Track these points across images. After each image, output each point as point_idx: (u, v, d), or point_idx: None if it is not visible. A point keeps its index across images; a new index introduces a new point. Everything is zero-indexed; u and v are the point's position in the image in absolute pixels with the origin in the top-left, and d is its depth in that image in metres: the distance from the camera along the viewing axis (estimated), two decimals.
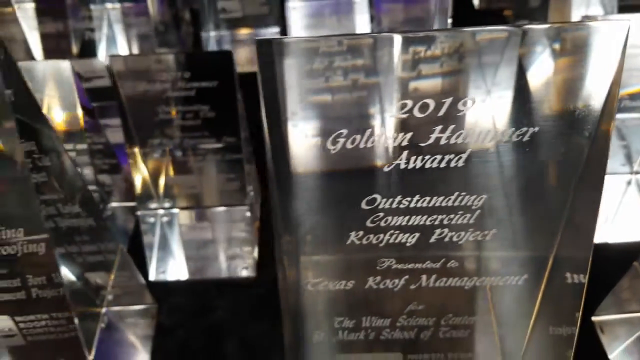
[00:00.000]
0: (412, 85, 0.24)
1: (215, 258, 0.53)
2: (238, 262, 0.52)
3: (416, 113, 0.25)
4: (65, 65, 0.46)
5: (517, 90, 0.25)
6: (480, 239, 0.31)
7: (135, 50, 0.64)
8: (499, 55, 0.24)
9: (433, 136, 0.26)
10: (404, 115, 0.26)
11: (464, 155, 0.27)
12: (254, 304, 0.50)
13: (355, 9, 0.72)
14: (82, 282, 0.40)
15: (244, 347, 0.47)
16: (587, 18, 0.52)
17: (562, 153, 0.27)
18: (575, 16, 0.60)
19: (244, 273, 0.52)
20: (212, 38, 0.76)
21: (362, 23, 0.69)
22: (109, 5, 0.68)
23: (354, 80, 0.25)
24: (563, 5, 0.63)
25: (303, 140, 0.26)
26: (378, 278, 0.33)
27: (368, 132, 0.26)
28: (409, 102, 0.26)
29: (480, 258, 0.32)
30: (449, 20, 0.64)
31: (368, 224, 0.31)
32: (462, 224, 0.30)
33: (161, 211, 0.54)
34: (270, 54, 0.24)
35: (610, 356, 0.46)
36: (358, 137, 0.26)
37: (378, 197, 0.29)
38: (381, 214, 0.30)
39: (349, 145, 0.26)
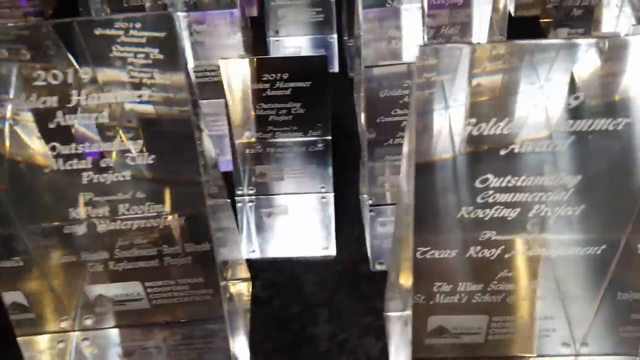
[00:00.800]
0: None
1: (298, 239, 0.59)
2: (319, 242, 0.59)
3: (540, 104, 0.32)
4: None
5: (615, 88, 0.32)
6: (570, 214, 0.37)
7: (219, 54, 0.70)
8: (605, 61, 0.31)
9: (546, 124, 0.32)
10: (530, 109, 0.32)
11: (568, 141, 0.33)
12: (336, 279, 0.56)
13: (404, 14, 0.78)
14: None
15: (333, 314, 0.53)
16: None
17: None
18: (624, 24, 0.66)
19: (324, 252, 0.59)
20: (272, 42, 0.82)
21: (413, 29, 0.75)
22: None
23: (498, 80, 0.31)
24: (602, 14, 0.69)
25: (446, 129, 0.32)
26: (478, 248, 0.40)
27: (504, 122, 0.32)
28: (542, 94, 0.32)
29: (568, 231, 0.38)
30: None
31: (478, 200, 0.37)
32: (557, 200, 0.36)
33: (251, 197, 0.60)
34: (430, 57, 0.30)
35: None
36: (497, 125, 0.32)
37: (491, 176, 0.35)
38: (491, 192, 0.36)
39: (485, 132, 0.32)
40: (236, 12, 0.73)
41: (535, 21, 0.91)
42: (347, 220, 0.61)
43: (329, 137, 0.55)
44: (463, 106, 0.33)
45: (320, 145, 0.56)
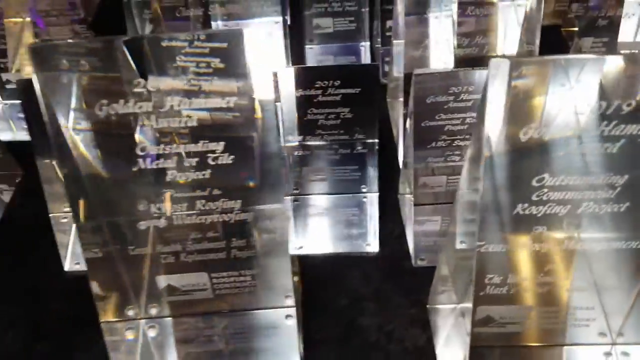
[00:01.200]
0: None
1: (343, 237, 0.63)
2: (362, 239, 0.62)
3: (596, 110, 0.35)
4: None
5: None
6: (615, 211, 0.40)
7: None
8: None
9: (600, 128, 0.36)
10: (584, 114, 0.35)
11: (618, 144, 0.37)
12: (380, 274, 0.60)
13: (434, 23, 0.82)
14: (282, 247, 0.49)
15: (380, 307, 0.57)
16: None
17: None
18: None
19: (368, 249, 0.62)
20: (306, 50, 0.86)
21: (447, 37, 0.79)
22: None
23: (557, 88, 0.35)
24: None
25: (509, 132, 0.36)
26: (529, 242, 0.43)
27: (562, 126, 0.36)
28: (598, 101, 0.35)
29: (610, 226, 0.42)
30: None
31: (533, 197, 0.40)
32: (604, 198, 0.40)
33: (297, 197, 0.63)
34: (501, 69, 0.34)
35: None
36: (555, 129, 0.36)
37: (547, 175, 0.39)
38: (545, 190, 0.40)
39: (544, 136, 0.36)
40: (281, 20, 0.77)
41: (557, 30, 0.94)
42: (386, 219, 0.65)
43: (376, 140, 0.59)
44: (526, 112, 0.36)
45: (366, 147, 0.60)
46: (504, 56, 0.65)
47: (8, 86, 0.78)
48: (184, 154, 0.42)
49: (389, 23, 0.85)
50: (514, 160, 0.39)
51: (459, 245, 0.47)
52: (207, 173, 0.43)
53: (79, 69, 0.38)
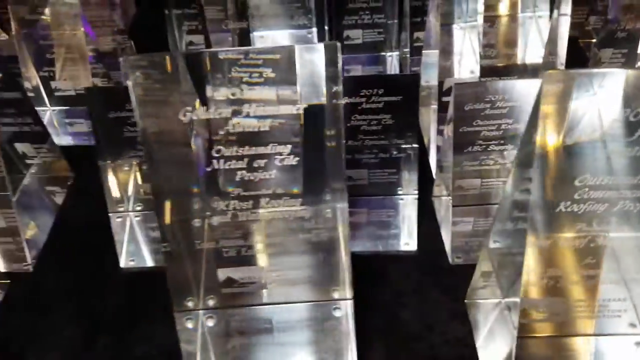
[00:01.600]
0: None
1: (383, 236, 0.66)
2: (401, 238, 0.66)
3: (631, 117, 0.39)
4: None
5: None
6: None
7: None
8: None
9: (636, 134, 0.40)
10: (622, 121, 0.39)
11: None
12: (419, 271, 0.64)
13: (460, 34, 0.86)
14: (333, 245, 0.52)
15: (421, 301, 0.61)
16: None
17: None
18: None
19: (406, 247, 0.66)
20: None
21: (473, 47, 0.83)
22: None
23: (603, 98, 0.39)
24: None
25: (552, 139, 0.40)
26: (570, 238, 0.47)
27: (604, 132, 0.40)
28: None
29: None
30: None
31: (575, 196, 0.44)
32: (638, 197, 0.44)
33: None
34: (555, 82, 0.38)
35: None
36: (596, 133, 0.40)
37: (588, 176, 0.43)
38: (586, 189, 0.43)
39: (585, 139, 0.40)
40: (314, 31, 0.81)
41: (575, 42, 0.98)
42: (420, 220, 0.68)
43: (416, 145, 0.62)
44: (572, 119, 0.40)
45: (406, 152, 0.63)
46: (556, 69, 0.69)
47: (57, 94, 0.82)
48: (254, 155, 0.46)
49: (416, 34, 0.89)
50: (560, 162, 0.42)
51: (504, 243, 0.51)
52: (273, 173, 0.47)
53: (166, 79, 0.43)
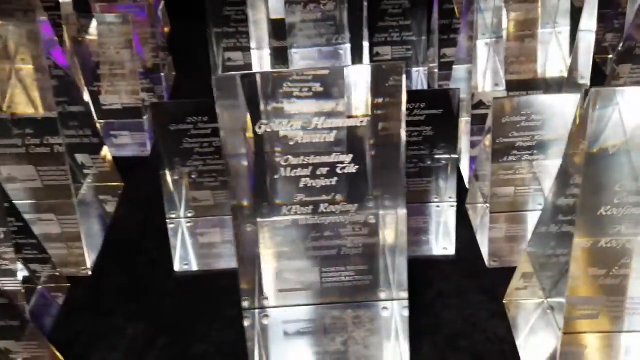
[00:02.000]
0: None
1: (422, 241, 0.70)
2: (439, 243, 0.70)
3: None
4: None
5: None
6: None
7: None
8: None
9: None
10: None
11: None
12: (459, 274, 0.68)
13: (484, 49, 0.90)
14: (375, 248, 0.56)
15: (462, 302, 0.64)
16: None
17: None
18: None
19: (445, 252, 0.70)
20: None
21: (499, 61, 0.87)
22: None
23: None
24: None
25: (596, 148, 0.44)
26: (608, 239, 0.51)
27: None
28: None
29: None
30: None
31: (615, 200, 0.48)
32: None
33: None
34: (600, 97, 0.42)
35: None
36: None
37: (627, 182, 0.46)
38: (625, 194, 0.47)
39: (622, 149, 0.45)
40: (348, 47, 0.85)
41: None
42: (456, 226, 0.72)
43: (456, 156, 0.66)
44: (614, 130, 0.44)
45: (446, 162, 0.67)
46: (599, 84, 0.74)
47: (104, 107, 0.86)
48: (318, 164, 0.50)
49: (442, 51, 0.94)
50: (603, 170, 0.47)
51: (546, 246, 0.55)
52: (334, 180, 0.51)
53: (246, 95, 0.47)
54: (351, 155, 0.50)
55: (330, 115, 0.48)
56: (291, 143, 0.49)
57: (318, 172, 0.51)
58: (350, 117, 0.48)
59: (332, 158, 0.50)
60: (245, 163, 0.49)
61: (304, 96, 0.48)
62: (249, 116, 0.47)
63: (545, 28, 0.86)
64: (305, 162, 0.50)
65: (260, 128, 0.47)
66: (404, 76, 0.46)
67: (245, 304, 0.57)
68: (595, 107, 0.44)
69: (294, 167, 0.50)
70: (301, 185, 0.51)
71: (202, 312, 0.65)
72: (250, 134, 0.48)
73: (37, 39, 0.58)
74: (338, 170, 0.51)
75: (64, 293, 0.67)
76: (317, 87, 0.47)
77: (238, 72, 0.45)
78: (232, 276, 0.69)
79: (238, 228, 0.52)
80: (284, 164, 0.50)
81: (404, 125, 0.48)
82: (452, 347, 0.60)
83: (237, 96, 0.46)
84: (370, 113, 0.48)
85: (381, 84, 0.48)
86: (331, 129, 0.48)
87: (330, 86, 0.48)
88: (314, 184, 0.51)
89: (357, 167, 0.51)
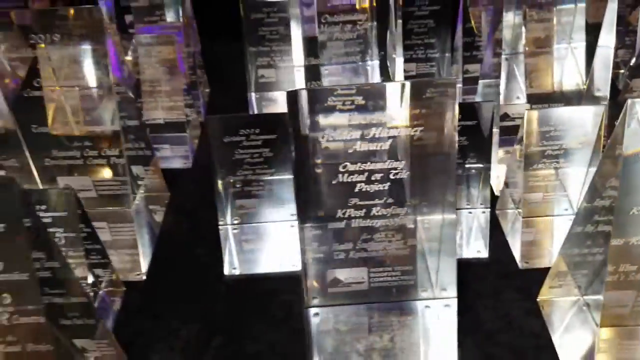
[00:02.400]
0: None
1: (457, 245, 0.73)
2: (473, 246, 0.74)
3: None
4: None
5: None
6: None
7: None
8: None
9: None
10: None
11: None
12: (493, 275, 0.72)
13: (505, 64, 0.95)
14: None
15: (497, 301, 0.68)
16: None
17: None
18: None
19: (478, 255, 0.74)
20: None
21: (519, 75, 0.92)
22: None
23: None
24: None
25: (632, 154, 0.49)
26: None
27: None
28: None
29: None
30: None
31: None
32: None
33: None
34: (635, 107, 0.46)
35: None
36: None
37: None
38: None
39: None
40: (376, 63, 0.90)
41: None
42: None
43: (490, 165, 0.71)
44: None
45: (479, 170, 0.72)
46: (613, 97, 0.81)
47: (147, 122, 0.90)
48: (373, 170, 0.54)
49: (465, 67, 0.99)
50: (636, 172, 0.51)
51: (582, 245, 0.59)
52: (387, 185, 0.55)
53: (314, 108, 0.52)
54: (404, 162, 0.54)
55: (385, 125, 0.53)
56: (350, 151, 0.53)
57: (373, 178, 0.55)
58: (404, 127, 0.53)
59: (386, 165, 0.55)
60: (310, 170, 0.54)
61: (361, 108, 0.53)
62: (313, 127, 0.52)
63: (561, 44, 0.92)
64: (361, 169, 0.54)
65: (323, 138, 0.52)
66: (457, 90, 0.51)
67: (308, 302, 0.61)
68: (632, 115, 0.48)
69: (351, 173, 0.55)
70: (356, 190, 0.56)
71: (253, 314, 0.69)
72: (314, 144, 0.53)
73: (105, 58, 0.63)
74: (391, 176, 0.55)
75: (121, 297, 0.71)
76: (371, 101, 0.52)
77: (305, 87, 0.49)
78: (277, 280, 0.74)
79: (302, 231, 0.57)
80: (342, 170, 0.54)
81: (456, 135, 0.52)
82: (492, 342, 0.64)
83: (304, 109, 0.51)
84: (423, 123, 0.52)
85: (435, 98, 0.52)
86: (388, 138, 0.53)
87: (384, 100, 0.53)
88: (368, 189, 0.56)
89: (408, 173, 0.55)
